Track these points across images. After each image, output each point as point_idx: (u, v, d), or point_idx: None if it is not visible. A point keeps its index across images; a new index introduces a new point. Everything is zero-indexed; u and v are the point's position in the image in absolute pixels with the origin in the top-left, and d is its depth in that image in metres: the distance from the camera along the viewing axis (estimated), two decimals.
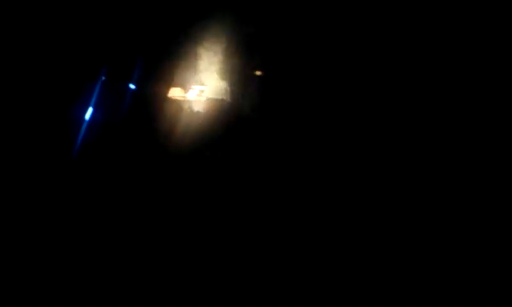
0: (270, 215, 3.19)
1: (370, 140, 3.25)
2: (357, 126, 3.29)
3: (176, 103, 3.54)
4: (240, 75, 3.53)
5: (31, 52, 3.26)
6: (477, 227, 2.97)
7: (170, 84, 3.55)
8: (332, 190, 3.20)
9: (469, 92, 3.15)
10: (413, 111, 3.22)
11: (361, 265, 3.02)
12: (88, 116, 3.33)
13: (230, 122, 3.48)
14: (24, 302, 2.77)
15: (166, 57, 3.52)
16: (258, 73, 3.54)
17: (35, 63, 3.26)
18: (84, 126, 3.31)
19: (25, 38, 3.26)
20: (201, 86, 3.57)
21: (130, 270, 2.90)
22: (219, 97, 3.55)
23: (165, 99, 3.52)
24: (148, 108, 3.48)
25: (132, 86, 3.46)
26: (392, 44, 3.29)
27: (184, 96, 3.57)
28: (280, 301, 2.93)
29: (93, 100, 3.34)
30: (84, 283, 2.83)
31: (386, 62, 3.29)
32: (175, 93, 3.57)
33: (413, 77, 3.25)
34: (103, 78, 3.38)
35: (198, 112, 3.54)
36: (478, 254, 2.91)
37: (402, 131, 3.22)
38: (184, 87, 3.58)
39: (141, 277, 2.91)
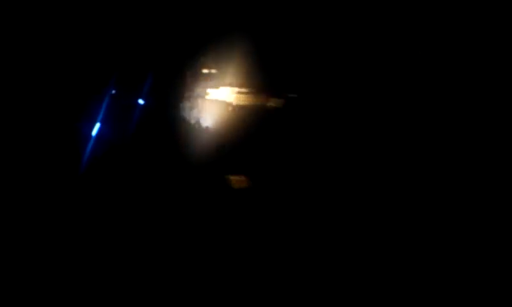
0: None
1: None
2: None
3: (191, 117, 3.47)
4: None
5: (41, 65, 3.27)
6: (477, 227, 2.95)
7: (184, 96, 3.48)
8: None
9: (469, 92, 3.13)
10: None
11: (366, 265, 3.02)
12: (95, 131, 3.27)
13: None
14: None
15: (178, 71, 3.46)
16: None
17: (44, 76, 3.26)
18: (92, 141, 3.26)
19: (36, 51, 3.27)
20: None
21: (140, 290, 2.93)
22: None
23: (177, 114, 3.47)
24: (159, 123, 3.42)
25: (141, 101, 3.38)
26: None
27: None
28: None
29: (101, 115, 3.30)
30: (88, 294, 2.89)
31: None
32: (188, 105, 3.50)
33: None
34: (112, 92, 3.34)
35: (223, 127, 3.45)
36: (478, 254, 2.89)
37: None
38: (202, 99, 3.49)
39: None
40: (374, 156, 3.25)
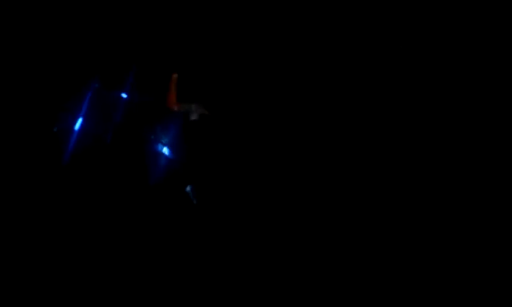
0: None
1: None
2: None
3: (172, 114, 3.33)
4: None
5: (24, 58, 3.29)
6: (477, 227, 2.95)
7: (166, 94, 3.33)
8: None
9: (469, 92, 3.13)
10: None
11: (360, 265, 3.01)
12: (77, 126, 3.21)
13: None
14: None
15: (162, 66, 3.37)
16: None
17: (27, 69, 3.27)
18: (74, 136, 3.20)
19: (18, 44, 3.29)
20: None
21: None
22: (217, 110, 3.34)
23: (160, 110, 3.32)
24: (141, 119, 3.30)
25: (124, 95, 3.30)
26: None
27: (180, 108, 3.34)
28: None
29: (84, 109, 3.25)
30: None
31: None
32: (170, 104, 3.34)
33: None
34: (96, 86, 3.28)
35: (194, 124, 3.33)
36: (478, 254, 2.89)
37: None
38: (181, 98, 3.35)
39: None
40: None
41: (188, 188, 3.22)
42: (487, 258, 2.85)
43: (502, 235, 2.86)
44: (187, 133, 3.29)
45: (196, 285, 2.88)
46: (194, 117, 3.30)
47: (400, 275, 2.93)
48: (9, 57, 3.28)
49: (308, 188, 3.20)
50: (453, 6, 3.13)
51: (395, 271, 2.95)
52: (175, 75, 3.36)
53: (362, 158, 3.22)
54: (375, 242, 3.05)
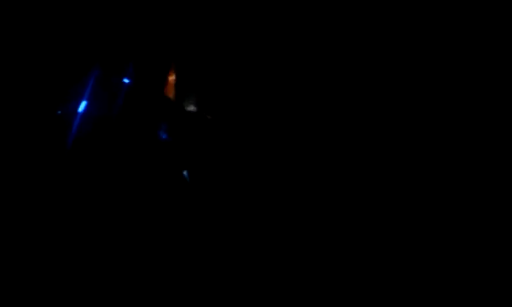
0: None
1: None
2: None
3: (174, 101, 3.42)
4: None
5: (26, 42, 3.34)
6: (477, 227, 2.97)
7: (169, 80, 3.39)
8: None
9: (470, 92, 3.14)
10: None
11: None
12: (81, 108, 3.31)
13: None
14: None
15: (165, 51, 3.42)
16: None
17: (29, 54, 3.34)
18: (78, 119, 3.36)
19: (19, 31, 3.35)
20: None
21: (125, 270, 2.83)
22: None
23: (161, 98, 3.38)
24: (145, 103, 3.39)
25: (126, 80, 3.42)
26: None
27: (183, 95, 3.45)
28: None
29: (87, 93, 3.40)
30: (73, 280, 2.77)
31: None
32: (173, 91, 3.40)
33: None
34: (98, 70, 3.37)
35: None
36: (478, 254, 2.91)
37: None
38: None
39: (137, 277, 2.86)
40: None
41: (185, 173, 3.36)
42: (487, 258, 2.88)
43: (502, 235, 2.89)
44: (186, 123, 3.39)
45: (193, 262, 2.90)
46: (191, 109, 3.48)
47: (400, 275, 2.95)
48: (13, 41, 3.32)
49: (303, 174, 3.23)
50: (453, 6, 3.15)
51: (395, 271, 2.97)
52: (172, 77, 3.36)
53: (362, 158, 3.23)
54: (375, 242, 3.06)
